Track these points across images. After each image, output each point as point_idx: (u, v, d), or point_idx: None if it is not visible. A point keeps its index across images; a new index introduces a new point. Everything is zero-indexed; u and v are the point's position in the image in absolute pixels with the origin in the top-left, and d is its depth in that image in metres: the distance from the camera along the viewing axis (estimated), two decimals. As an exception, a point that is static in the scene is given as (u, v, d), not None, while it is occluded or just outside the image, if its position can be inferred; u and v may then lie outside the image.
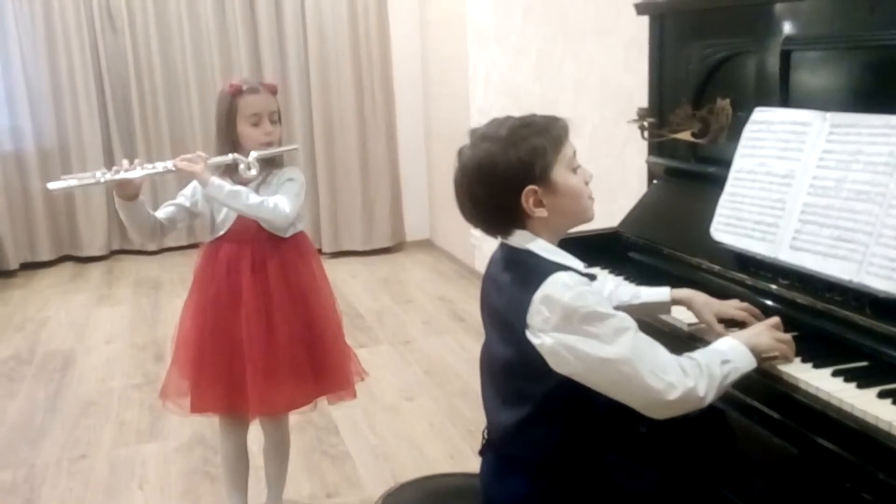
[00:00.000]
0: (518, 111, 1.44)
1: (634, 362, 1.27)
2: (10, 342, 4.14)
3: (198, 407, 2.20)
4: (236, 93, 2.11)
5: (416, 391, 3.36)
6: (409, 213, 5.84)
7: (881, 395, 1.24)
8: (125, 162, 2.04)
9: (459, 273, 5.10)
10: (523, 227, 1.39)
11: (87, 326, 4.36)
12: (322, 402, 2.32)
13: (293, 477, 2.52)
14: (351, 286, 4.93)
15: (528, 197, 1.34)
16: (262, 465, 2.43)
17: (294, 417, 2.45)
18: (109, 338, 4.16)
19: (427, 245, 5.84)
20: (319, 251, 5.59)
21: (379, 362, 3.66)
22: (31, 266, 5.50)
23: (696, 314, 1.59)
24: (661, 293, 1.64)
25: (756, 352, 1.38)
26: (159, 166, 2.07)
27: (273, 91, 2.19)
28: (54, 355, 3.93)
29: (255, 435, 2.43)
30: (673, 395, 1.27)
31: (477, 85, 4.69)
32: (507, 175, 1.34)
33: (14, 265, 5.38)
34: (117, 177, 2.00)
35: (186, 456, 2.88)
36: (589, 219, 1.45)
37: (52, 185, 2.01)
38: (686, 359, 1.33)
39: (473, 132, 1.41)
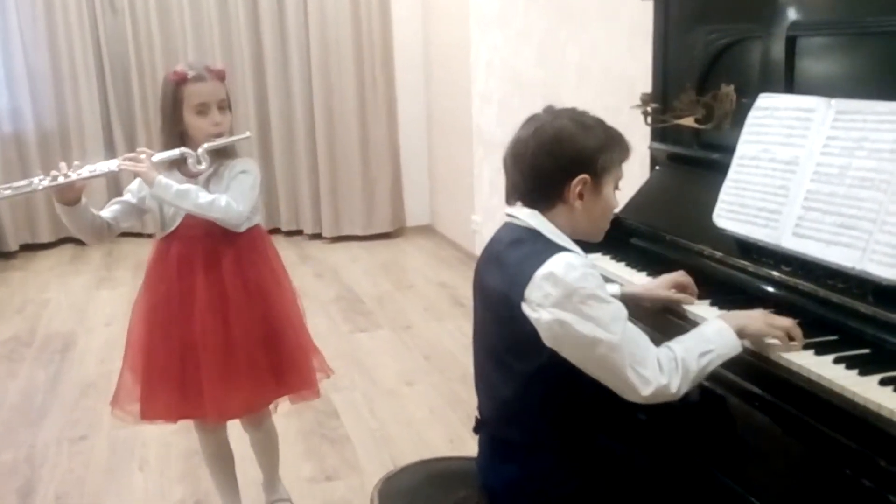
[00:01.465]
0: (520, 97, 1.48)
1: (620, 351, 1.31)
2: (11, 323, 4.15)
3: (148, 414, 2.10)
4: (181, 81, 1.97)
5: (416, 376, 3.36)
6: (410, 198, 5.83)
7: (883, 382, 1.23)
8: (63, 165, 1.91)
9: (460, 259, 5.10)
10: (551, 209, 1.43)
11: (86, 308, 4.37)
12: (288, 400, 2.23)
13: (293, 459, 2.53)
14: (351, 271, 4.93)
15: (578, 184, 1.40)
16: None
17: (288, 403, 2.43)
18: (109, 320, 4.16)
19: (427, 230, 5.84)
20: (320, 236, 5.61)
21: (379, 347, 3.67)
22: (31, 248, 5.51)
23: (652, 299, 1.65)
24: (610, 288, 1.62)
25: (744, 335, 1.40)
26: (101, 168, 1.94)
27: (221, 77, 2.04)
28: (54, 337, 3.94)
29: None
30: (646, 391, 1.32)
31: (479, 70, 4.67)
32: (575, 154, 1.40)
33: (14, 247, 5.39)
34: (55, 183, 1.88)
35: (186, 438, 2.87)
36: (597, 239, 1.52)
37: None
38: (665, 351, 1.36)
39: (551, 109, 1.47)
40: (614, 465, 1.54)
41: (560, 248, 1.38)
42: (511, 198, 1.48)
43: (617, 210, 1.49)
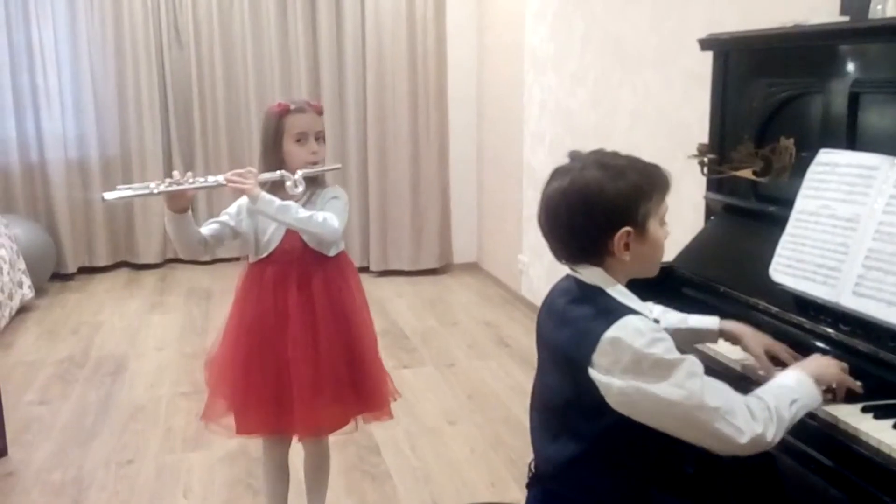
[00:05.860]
0: (572, 138, 1.46)
1: (705, 407, 1.27)
2: (66, 344, 4.25)
3: (244, 429, 2.22)
4: (284, 112, 2.14)
5: (459, 415, 3.35)
6: (458, 236, 5.86)
7: (945, 450, 1.20)
8: (176, 174, 2.06)
9: (505, 298, 5.09)
10: (600, 263, 1.38)
11: (139, 332, 4.46)
12: (362, 419, 2.32)
13: (334, 494, 2.53)
14: (397, 305, 4.95)
15: (622, 238, 1.34)
16: (303, 479, 2.45)
17: (336, 435, 2.46)
18: (160, 345, 4.25)
19: (474, 268, 5.85)
20: (367, 269, 5.66)
21: (422, 384, 3.67)
22: (88, 270, 5.66)
23: (745, 347, 1.59)
24: (709, 321, 1.64)
25: (822, 384, 1.37)
26: (210, 180, 2.09)
27: (319, 111, 2.21)
28: (107, 359, 4.02)
29: (297, 449, 2.46)
30: (742, 440, 1.27)
31: (532, 110, 4.71)
32: (610, 209, 1.33)
33: (72, 269, 5.54)
34: (170, 189, 2.02)
35: (230, 466, 2.92)
36: (654, 274, 1.46)
37: (107, 195, 2.03)
38: (755, 400, 1.32)
39: (577, 155, 1.41)
40: None
41: (626, 310, 1.33)
42: (558, 258, 1.43)
43: (678, 246, 1.45)
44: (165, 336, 4.39)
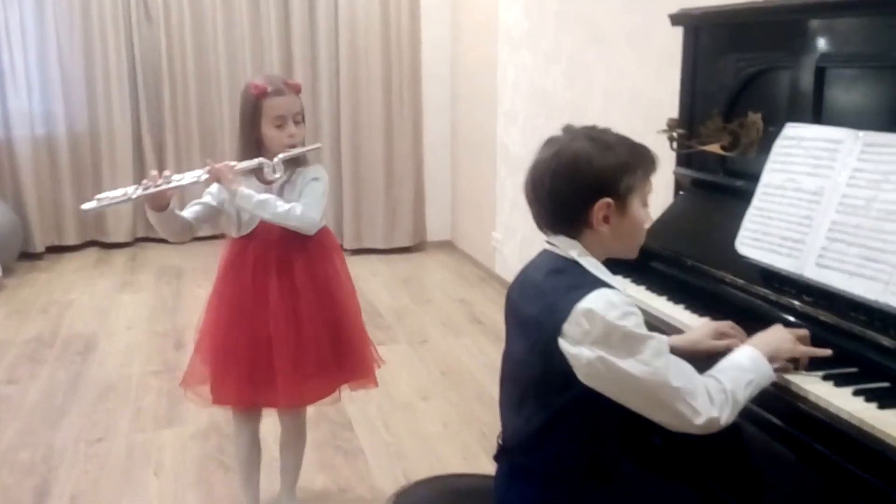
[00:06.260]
0: (546, 117, 1.46)
1: (668, 385, 1.29)
2: (34, 324, 4.20)
3: (220, 399, 2.23)
4: (261, 95, 2.09)
5: (432, 391, 3.37)
6: (432, 214, 5.85)
7: (903, 416, 1.23)
8: (154, 174, 2.02)
9: (479, 276, 5.11)
10: (577, 236, 1.40)
11: (109, 311, 4.42)
12: (342, 394, 2.34)
13: (306, 470, 2.54)
14: (371, 284, 4.95)
15: (601, 209, 1.36)
16: (276, 456, 2.45)
17: (310, 411, 2.47)
18: (131, 324, 4.21)
19: (448, 246, 5.85)
20: (341, 247, 5.64)
21: (396, 361, 3.67)
22: (57, 249, 5.58)
23: (700, 349, 1.56)
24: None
25: (777, 360, 1.40)
26: (188, 178, 2.06)
27: (297, 91, 2.16)
28: (76, 339, 3.98)
29: (271, 426, 2.46)
30: (698, 421, 1.31)
31: (506, 89, 4.70)
32: (594, 178, 1.35)
33: (41, 248, 5.46)
34: (148, 192, 2.00)
35: (202, 444, 2.91)
36: (632, 256, 1.48)
37: (85, 206, 2.03)
38: (713, 382, 1.34)
39: (570, 128, 1.43)
40: (635, 494, 1.52)
41: (600, 283, 1.34)
42: (540, 226, 1.45)
43: (648, 225, 1.45)
44: (136, 315, 4.35)
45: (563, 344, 1.32)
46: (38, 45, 5.33)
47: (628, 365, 1.28)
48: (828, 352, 1.43)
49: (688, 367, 1.34)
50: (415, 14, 5.50)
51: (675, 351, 1.56)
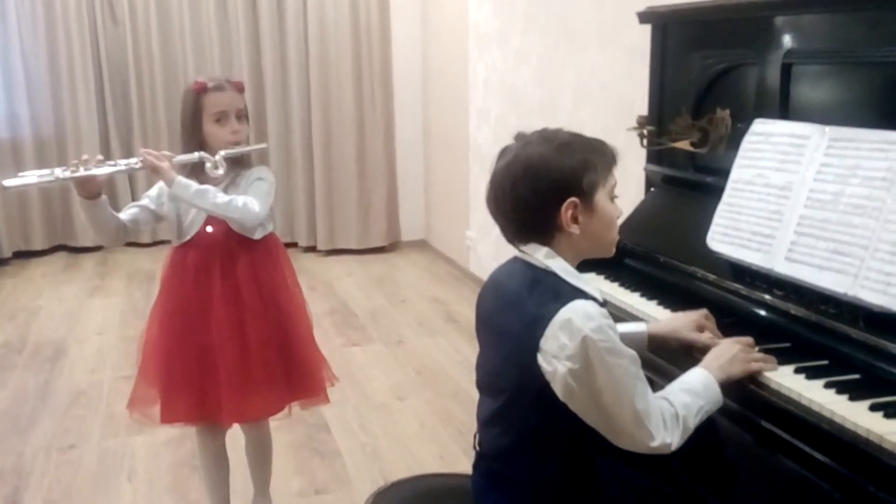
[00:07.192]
0: (517, 116, 1.45)
1: (631, 407, 1.29)
2: (2, 330, 4.13)
3: (168, 417, 2.14)
4: (201, 90, 2.04)
5: (408, 391, 3.36)
6: (405, 213, 5.84)
7: (873, 407, 1.24)
8: (86, 156, 1.93)
9: (454, 275, 5.11)
10: (549, 241, 1.37)
11: (78, 317, 4.35)
12: (298, 405, 2.26)
13: (283, 473, 2.52)
14: (345, 284, 4.93)
15: (568, 209, 1.34)
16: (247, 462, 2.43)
17: (275, 419, 2.43)
18: (101, 329, 4.15)
19: (422, 245, 5.85)
20: (314, 248, 5.62)
21: (371, 361, 3.67)
22: (24, 255, 5.49)
23: (682, 338, 1.57)
24: (639, 326, 1.63)
25: (727, 383, 1.40)
26: (122, 163, 1.98)
27: (240, 88, 2.11)
28: (45, 345, 3.92)
29: (239, 433, 2.43)
30: (652, 444, 1.31)
31: (477, 88, 4.70)
32: (555, 180, 1.33)
33: (7, 253, 5.38)
34: (77, 174, 1.89)
35: (175, 449, 2.87)
36: (609, 253, 1.45)
37: (7, 183, 1.87)
38: (668, 407, 1.34)
39: (522, 135, 1.40)
40: (611, 491, 1.52)
41: (577, 293, 1.32)
42: (509, 239, 1.42)
43: (621, 219, 1.44)
44: (106, 320, 4.29)
45: (542, 361, 1.30)
46: (1, 47, 5.24)
47: (600, 380, 1.27)
48: (775, 366, 1.42)
49: (648, 389, 1.34)
50: (384, 12, 5.49)
51: (656, 338, 1.59)
